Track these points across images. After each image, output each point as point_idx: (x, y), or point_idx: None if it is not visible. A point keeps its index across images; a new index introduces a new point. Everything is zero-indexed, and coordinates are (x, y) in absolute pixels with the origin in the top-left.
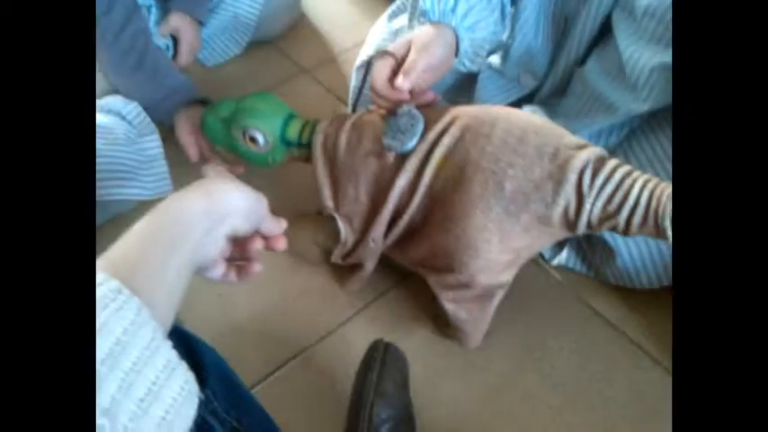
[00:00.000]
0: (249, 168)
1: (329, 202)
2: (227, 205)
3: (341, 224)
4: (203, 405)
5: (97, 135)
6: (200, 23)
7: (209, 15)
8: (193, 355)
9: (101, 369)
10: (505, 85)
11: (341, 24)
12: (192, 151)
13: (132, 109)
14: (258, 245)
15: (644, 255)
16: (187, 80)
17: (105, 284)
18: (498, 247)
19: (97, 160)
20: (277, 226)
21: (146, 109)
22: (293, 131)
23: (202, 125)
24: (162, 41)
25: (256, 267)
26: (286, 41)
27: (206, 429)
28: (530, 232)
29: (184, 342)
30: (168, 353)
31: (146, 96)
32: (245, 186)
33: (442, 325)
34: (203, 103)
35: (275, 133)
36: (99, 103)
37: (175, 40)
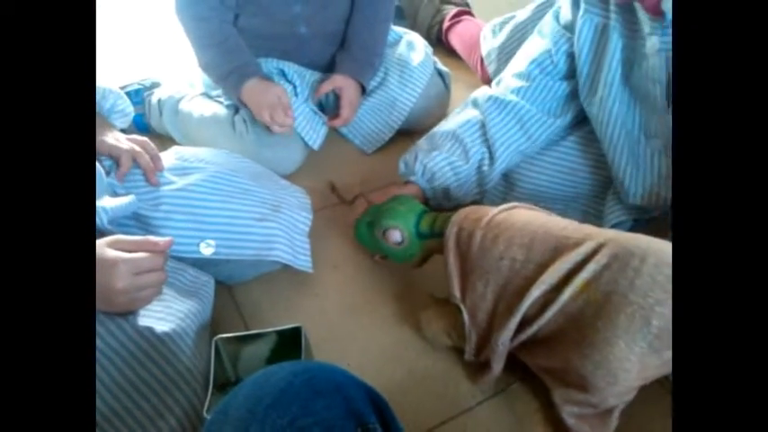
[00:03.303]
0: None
1: (456, 293)
2: None
3: (465, 315)
4: None
5: (264, 202)
6: (363, 89)
7: (370, 96)
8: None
9: None
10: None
11: None
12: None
13: (297, 190)
14: None
15: None
16: (252, 58)
17: None
18: (636, 375)
19: (261, 223)
20: None
21: (217, 81)
22: (426, 224)
23: (355, 233)
24: (297, 105)
25: None
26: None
27: None
28: (668, 365)
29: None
30: None
31: (218, 68)
32: None
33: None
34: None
35: (410, 229)
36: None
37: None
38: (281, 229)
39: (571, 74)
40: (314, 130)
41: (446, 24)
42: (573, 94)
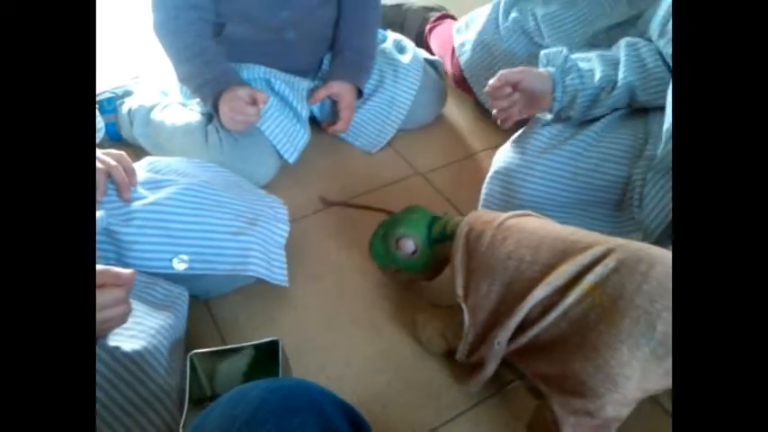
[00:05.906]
0: None
1: (460, 291)
2: None
3: (466, 315)
4: None
5: (239, 215)
6: (360, 93)
7: (369, 99)
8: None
9: None
10: None
11: (458, 136)
12: (241, 119)
13: (274, 200)
14: None
15: None
16: (229, 67)
17: None
18: (636, 384)
19: (237, 237)
20: None
21: (194, 91)
22: (437, 230)
23: (370, 250)
24: (301, 109)
25: None
26: (404, 146)
27: None
28: (668, 377)
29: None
30: None
31: (195, 79)
32: None
33: None
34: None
35: (422, 236)
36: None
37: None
38: (257, 242)
39: None
40: (291, 143)
41: (428, 27)
42: None
